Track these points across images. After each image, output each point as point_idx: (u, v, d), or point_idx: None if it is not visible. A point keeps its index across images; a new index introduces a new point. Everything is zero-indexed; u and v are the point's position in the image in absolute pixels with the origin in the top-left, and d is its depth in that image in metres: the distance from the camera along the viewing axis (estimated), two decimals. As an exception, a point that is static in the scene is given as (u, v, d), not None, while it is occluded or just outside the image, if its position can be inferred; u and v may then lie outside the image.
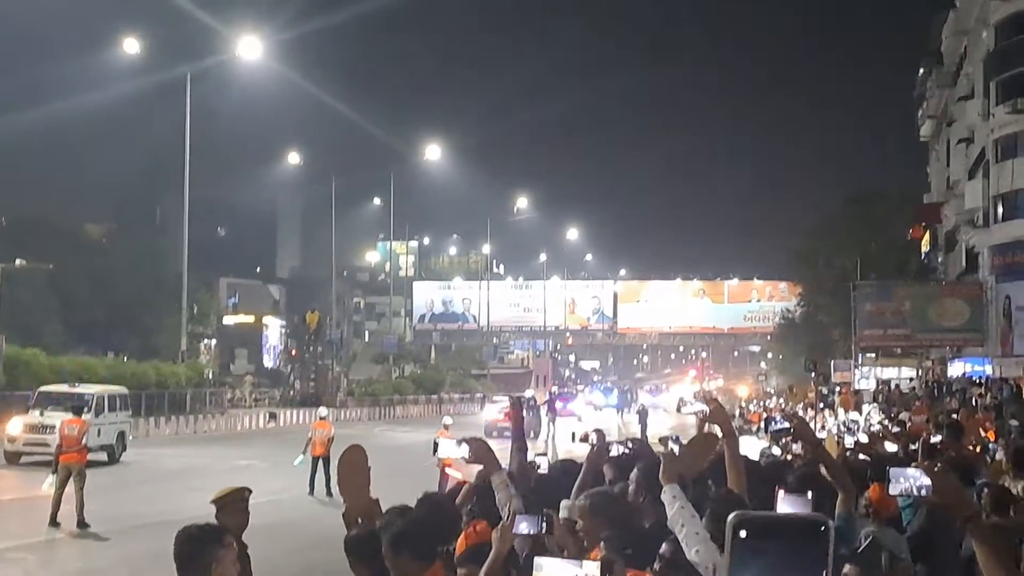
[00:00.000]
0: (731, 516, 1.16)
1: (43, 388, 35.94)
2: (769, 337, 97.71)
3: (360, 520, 6.74)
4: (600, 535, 5.48)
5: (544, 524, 5.35)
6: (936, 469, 5.59)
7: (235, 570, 5.44)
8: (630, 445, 8.70)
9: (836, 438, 19.68)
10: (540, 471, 9.12)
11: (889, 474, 5.67)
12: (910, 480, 5.58)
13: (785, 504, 5.51)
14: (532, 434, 45.37)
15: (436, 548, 5.97)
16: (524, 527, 5.28)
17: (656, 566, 5.06)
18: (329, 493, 25.98)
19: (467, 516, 6.66)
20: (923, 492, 5.44)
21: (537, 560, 3.91)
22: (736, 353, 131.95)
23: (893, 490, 5.44)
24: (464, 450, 7.47)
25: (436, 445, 8.04)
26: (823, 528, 1.09)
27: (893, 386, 48.93)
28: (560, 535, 5.69)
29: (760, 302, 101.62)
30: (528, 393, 54.65)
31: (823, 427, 28.58)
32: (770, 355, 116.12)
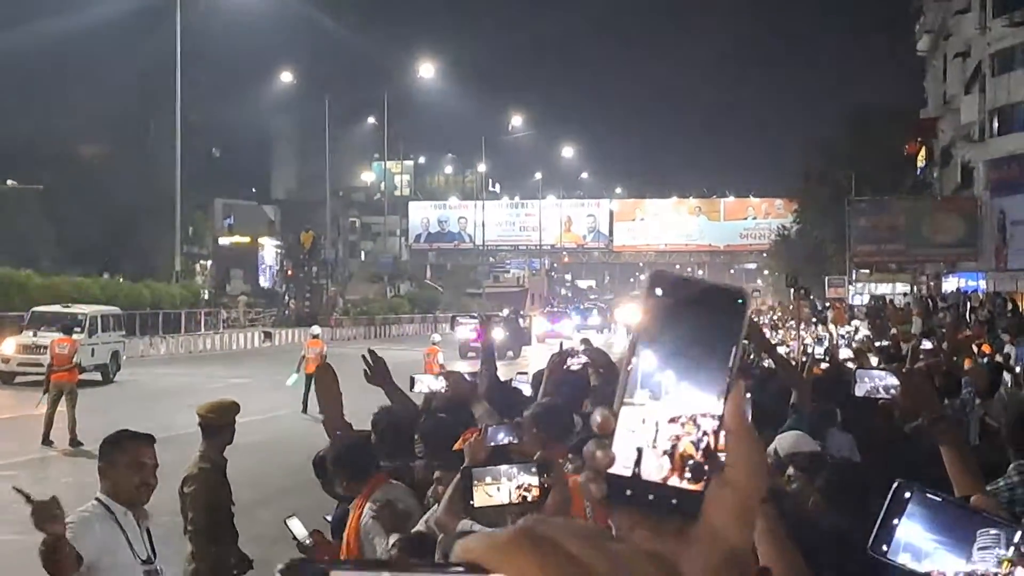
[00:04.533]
0: (650, 272, 1.11)
1: (36, 308, 36.03)
2: (765, 254, 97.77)
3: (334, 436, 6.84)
4: (543, 444, 5.52)
5: (516, 434, 5.40)
6: (904, 370, 5.58)
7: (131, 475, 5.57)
8: (586, 360, 8.75)
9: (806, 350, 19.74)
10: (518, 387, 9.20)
11: (855, 376, 5.68)
12: (875, 380, 5.60)
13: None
14: (511, 353, 45.32)
15: (370, 467, 6.36)
16: (501, 436, 5.31)
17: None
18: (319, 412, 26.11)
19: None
20: (890, 392, 5.44)
21: (476, 471, 3.89)
22: (732, 271, 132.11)
23: (858, 391, 5.46)
24: (442, 383, 7.53)
25: (412, 381, 8.00)
26: (740, 300, 1.05)
27: (887, 300, 48.96)
28: (528, 444, 5.71)
29: (756, 219, 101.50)
30: (504, 312, 54.33)
31: (816, 341, 28.58)
32: (766, 272, 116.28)
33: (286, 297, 71.19)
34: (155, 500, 5.82)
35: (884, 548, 2.19)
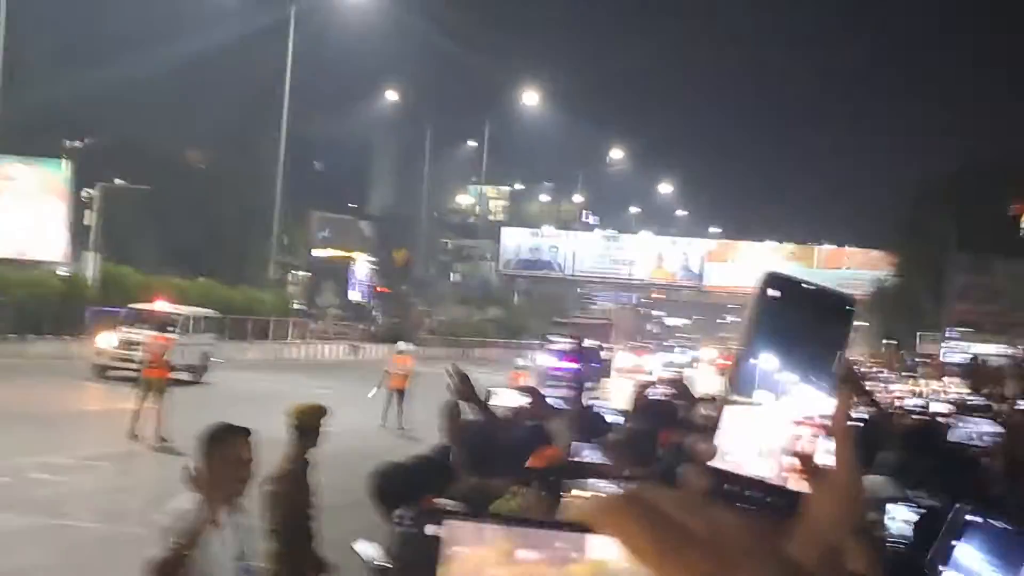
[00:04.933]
0: (764, 273, 1.19)
1: (133, 305, 36.70)
2: (859, 305, 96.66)
3: None
4: (621, 471, 5.65)
5: (601, 454, 5.53)
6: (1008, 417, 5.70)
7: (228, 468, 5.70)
8: (672, 392, 8.91)
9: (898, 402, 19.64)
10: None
11: (951, 422, 5.79)
12: (972, 427, 5.79)
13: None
14: (591, 384, 45.10)
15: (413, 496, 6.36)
16: (586, 453, 5.43)
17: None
18: (402, 426, 26.38)
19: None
20: (984, 439, 5.59)
21: (567, 481, 4.05)
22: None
23: (953, 436, 5.60)
24: (521, 399, 7.67)
25: (489, 394, 8.15)
26: (849, 306, 1.15)
27: (981, 360, 48.26)
28: (612, 464, 5.85)
29: (852, 269, 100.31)
30: (589, 342, 54.20)
31: (911, 395, 28.33)
32: (860, 323, 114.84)
33: (375, 312, 71.77)
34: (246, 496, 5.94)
35: (940, 568, 2.26)
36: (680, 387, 9.47)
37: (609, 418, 8.99)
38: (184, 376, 32.62)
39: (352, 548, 6.54)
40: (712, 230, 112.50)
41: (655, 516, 0.90)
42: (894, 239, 74.73)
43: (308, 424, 8.25)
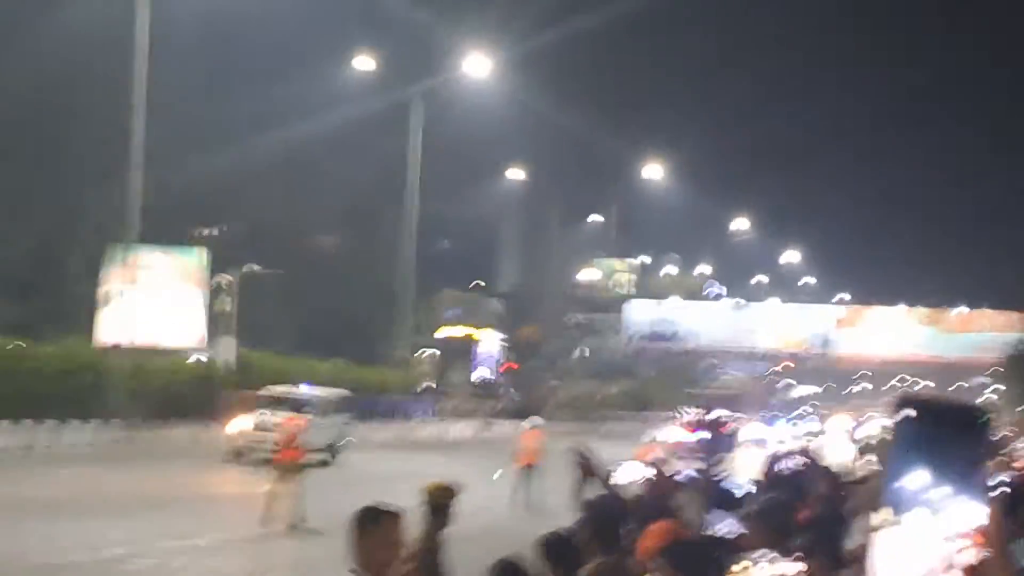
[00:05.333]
0: (898, 396, 1.29)
1: (268, 388, 37.36)
2: (999, 369, 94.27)
3: None
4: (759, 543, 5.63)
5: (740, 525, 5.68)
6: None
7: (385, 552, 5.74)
8: (804, 462, 8.98)
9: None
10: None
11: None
12: None
13: None
14: (717, 455, 44.59)
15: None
16: (724, 525, 5.54)
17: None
18: (531, 504, 26.24)
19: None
20: None
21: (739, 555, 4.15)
22: (965, 385, 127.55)
23: None
24: (648, 472, 7.82)
25: (618, 469, 8.27)
26: (983, 418, 1.25)
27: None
28: (751, 536, 5.85)
29: (990, 332, 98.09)
30: (714, 414, 53.79)
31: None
32: (998, 387, 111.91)
33: (504, 389, 72.09)
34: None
35: None
36: (810, 458, 9.56)
37: (738, 492, 9.12)
38: (318, 457, 32.93)
39: None
40: (841, 296, 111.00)
41: None
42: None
43: (440, 503, 8.34)
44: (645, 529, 5.73)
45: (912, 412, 1.19)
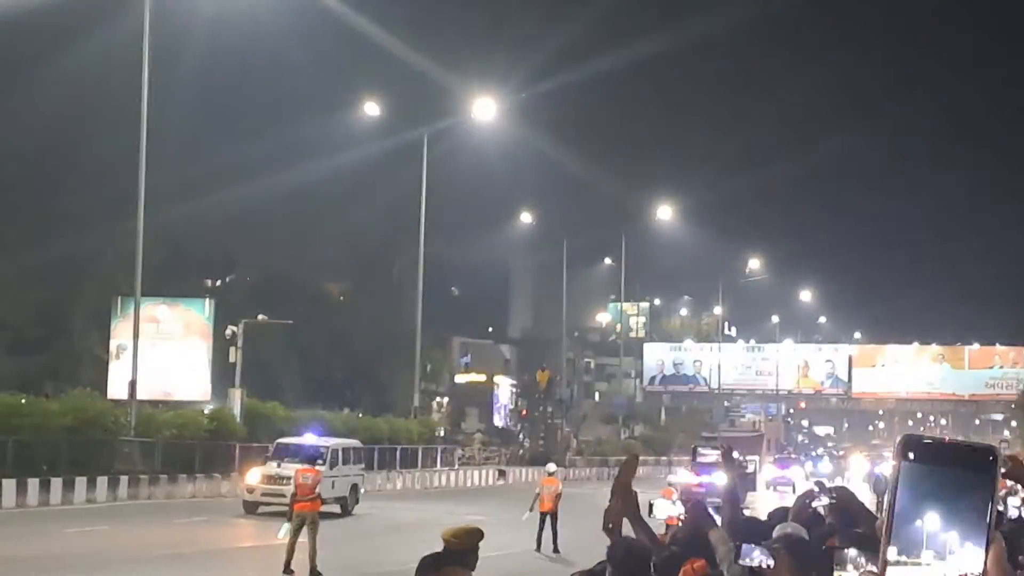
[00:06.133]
0: (901, 437, 1.14)
1: (280, 440, 36.89)
2: (1013, 405, 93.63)
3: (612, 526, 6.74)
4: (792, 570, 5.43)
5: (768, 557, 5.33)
6: None
7: None
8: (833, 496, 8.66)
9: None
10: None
11: None
12: None
13: None
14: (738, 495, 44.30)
15: None
16: (755, 556, 5.28)
17: None
18: (556, 550, 25.97)
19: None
20: None
21: None
22: (978, 421, 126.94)
23: None
24: (681, 509, 7.35)
25: (651, 506, 7.96)
26: (991, 457, 1.13)
27: None
28: (779, 567, 5.54)
29: (1004, 368, 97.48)
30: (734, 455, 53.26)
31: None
32: (1014, 423, 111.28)
33: (520, 435, 71.53)
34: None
35: None
36: (847, 495, 9.02)
37: (763, 526, 8.69)
38: (334, 508, 32.53)
39: None
40: (857, 336, 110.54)
41: None
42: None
43: (463, 548, 7.95)
44: (682, 566, 5.66)
45: (912, 454, 0.93)
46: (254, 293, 57.84)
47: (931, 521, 1.10)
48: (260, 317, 51.66)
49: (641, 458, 61.07)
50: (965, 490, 1.10)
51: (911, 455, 1.14)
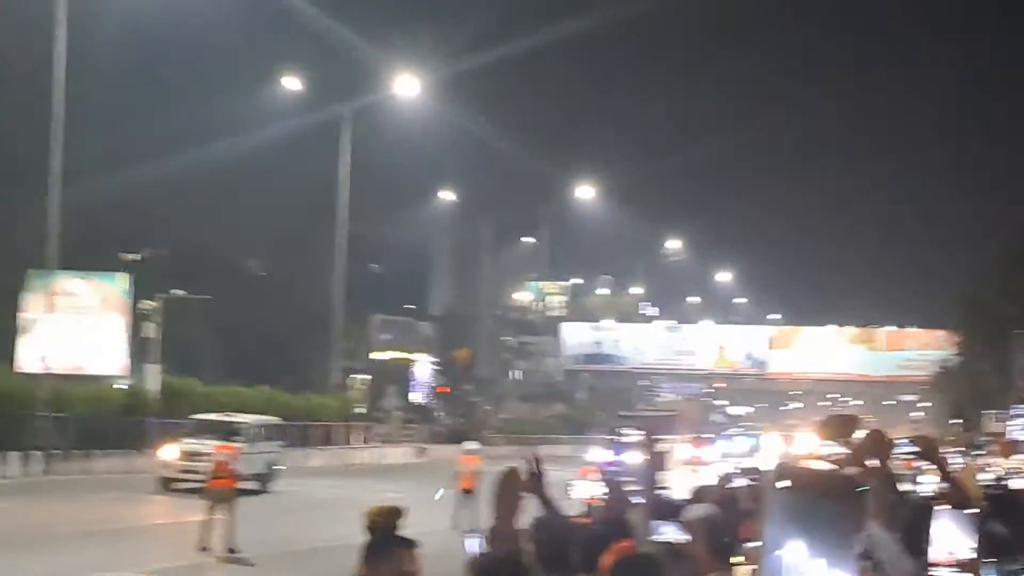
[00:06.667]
0: (775, 466, 1.21)
1: (197, 416, 36.60)
2: (926, 387, 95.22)
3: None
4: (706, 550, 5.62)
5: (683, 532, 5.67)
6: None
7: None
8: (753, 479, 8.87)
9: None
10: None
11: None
12: None
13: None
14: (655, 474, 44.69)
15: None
16: (666, 531, 5.44)
17: None
18: (474, 530, 25.93)
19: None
20: None
21: None
22: (895, 402, 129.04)
23: None
24: (600, 489, 7.45)
25: (569, 487, 8.02)
26: (859, 488, 1.18)
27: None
28: (693, 544, 5.72)
29: (916, 350, 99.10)
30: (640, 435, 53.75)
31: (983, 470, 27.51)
32: (924, 404, 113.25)
33: (439, 413, 71.48)
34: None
35: None
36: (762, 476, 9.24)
37: (677, 503, 8.81)
38: (251, 485, 32.35)
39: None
40: (772, 317, 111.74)
41: None
42: (957, 318, 73.59)
43: (384, 527, 7.93)
44: (605, 546, 5.54)
45: (788, 482, 0.97)
46: (173, 268, 57.11)
47: (798, 549, 1.16)
48: (178, 292, 51.08)
49: (559, 436, 61.60)
50: (834, 518, 1.16)
51: (785, 482, 1.17)
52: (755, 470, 10.40)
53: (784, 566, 0.91)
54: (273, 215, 64.80)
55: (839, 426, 6.59)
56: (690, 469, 43.75)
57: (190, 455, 32.23)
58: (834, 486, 0.96)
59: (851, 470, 4.57)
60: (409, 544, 5.58)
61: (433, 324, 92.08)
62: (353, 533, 8.14)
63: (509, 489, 7.01)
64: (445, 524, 25.97)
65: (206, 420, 35.72)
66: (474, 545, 6.40)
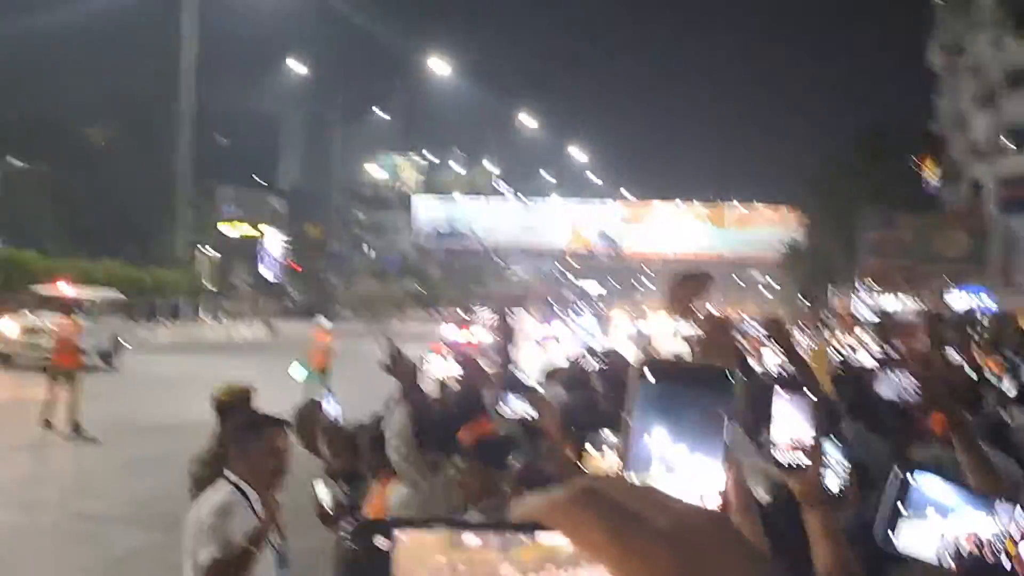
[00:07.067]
0: (638, 360, 1.21)
1: (38, 290, 35.73)
2: (775, 267, 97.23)
3: None
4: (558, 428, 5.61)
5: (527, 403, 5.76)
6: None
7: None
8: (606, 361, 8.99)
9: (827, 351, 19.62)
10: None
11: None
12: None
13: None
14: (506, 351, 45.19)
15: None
16: (517, 405, 5.71)
17: None
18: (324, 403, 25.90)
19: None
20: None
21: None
22: (742, 283, 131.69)
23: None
24: (454, 368, 7.47)
25: (422, 361, 8.00)
26: (728, 378, 1.15)
27: (891, 315, 48.58)
28: (545, 419, 5.69)
29: (767, 228, 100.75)
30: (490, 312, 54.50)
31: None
32: (772, 283, 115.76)
33: (290, 289, 70.98)
34: (168, 485, 5.64)
35: (889, 533, 2.33)
36: (619, 361, 9.35)
37: (527, 381, 8.89)
38: (94, 362, 31.75)
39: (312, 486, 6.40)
40: (622, 192, 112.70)
41: (613, 510, 0.79)
42: (805, 198, 75.17)
43: (237, 404, 7.84)
44: (465, 423, 5.71)
45: (652, 376, 0.97)
46: (9, 138, 55.16)
47: (661, 435, 1.15)
48: (15, 162, 49.49)
49: (411, 313, 61.88)
50: (701, 408, 1.15)
51: (651, 376, 1.16)
52: (613, 352, 10.50)
53: (650, 453, 0.90)
54: (117, 83, 62.84)
55: (691, 288, 6.65)
56: (540, 347, 44.33)
57: (30, 330, 31.58)
58: (698, 374, 0.93)
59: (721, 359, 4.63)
60: (279, 423, 5.56)
61: (283, 198, 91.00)
62: (201, 411, 8.04)
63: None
64: (296, 402, 25.85)
65: (46, 294, 34.86)
66: (334, 408, 6.41)
